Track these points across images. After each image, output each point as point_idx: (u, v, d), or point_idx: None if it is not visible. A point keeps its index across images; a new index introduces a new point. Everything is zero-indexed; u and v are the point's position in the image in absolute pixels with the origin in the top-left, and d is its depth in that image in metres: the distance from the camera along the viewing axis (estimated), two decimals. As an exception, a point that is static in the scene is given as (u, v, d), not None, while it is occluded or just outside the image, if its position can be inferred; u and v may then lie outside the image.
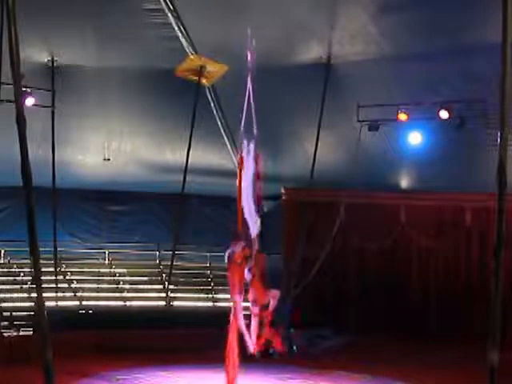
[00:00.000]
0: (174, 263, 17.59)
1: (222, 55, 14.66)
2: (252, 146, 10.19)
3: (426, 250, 16.70)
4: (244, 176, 10.15)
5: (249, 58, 10.15)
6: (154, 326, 15.39)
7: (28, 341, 13.75)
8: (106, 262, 19.08)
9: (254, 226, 10.17)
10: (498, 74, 5.68)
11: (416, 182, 17.36)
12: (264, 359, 11.16)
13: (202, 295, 18.49)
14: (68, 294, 17.07)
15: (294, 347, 14.90)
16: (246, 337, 9.89)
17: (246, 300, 10.23)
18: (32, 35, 13.44)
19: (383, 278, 16.61)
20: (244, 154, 10.21)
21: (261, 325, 10.00)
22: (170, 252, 17.40)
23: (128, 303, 17.57)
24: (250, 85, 10.24)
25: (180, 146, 16.64)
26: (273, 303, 10.12)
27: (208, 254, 19.55)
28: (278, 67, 14.50)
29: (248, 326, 10.00)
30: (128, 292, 18.05)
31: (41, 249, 5.77)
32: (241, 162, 10.19)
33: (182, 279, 18.87)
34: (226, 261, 10.21)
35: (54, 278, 16.64)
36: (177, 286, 18.48)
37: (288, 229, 17.28)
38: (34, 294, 6.44)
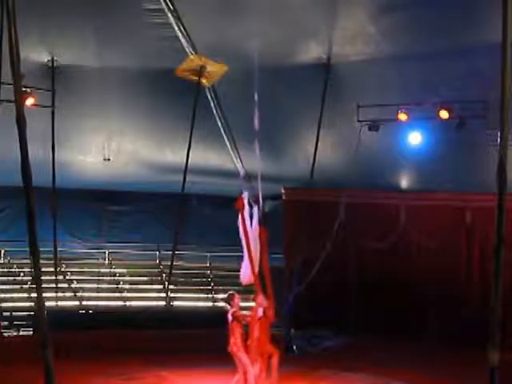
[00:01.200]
0: (174, 263, 17.59)
1: (222, 55, 14.66)
2: (255, 211, 10.42)
3: (426, 250, 16.68)
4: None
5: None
6: (154, 326, 15.40)
7: (28, 341, 13.75)
8: (106, 261, 19.09)
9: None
10: (498, 74, 5.68)
11: (416, 182, 17.35)
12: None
13: (202, 295, 18.50)
14: (68, 294, 17.09)
15: (294, 347, 14.90)
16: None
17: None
18: (32, 35, 13.44)
19: (383, 278, 16.59)
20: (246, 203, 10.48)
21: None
22: (170, 252, 17.40)
23: (128, 303, 17.58)
24: (257, 148, 10.48)
25: (180, 146, 16.62)
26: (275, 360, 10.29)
27: (208, 253, 19.57)
28: (278, 67, 14.50)
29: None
30: (128, 292, 18.06)
31: (41, 249, 5.77)
32: (241, 206, 10.44)
33: (181, 279, 18.88)
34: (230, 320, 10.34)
35: (54, 278, 16.65)
36: (177, 286, 18.49)
37: (288, 229, 17.27)
38: (33, 294, 6.43)
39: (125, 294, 17.90)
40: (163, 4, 13.85)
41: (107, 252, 19.17)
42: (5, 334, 14.80)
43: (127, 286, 18.37)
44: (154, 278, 18.94)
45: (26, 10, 8.67)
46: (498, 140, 5.73)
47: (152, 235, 19.45)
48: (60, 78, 15.08)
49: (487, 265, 15.07)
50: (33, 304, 15.38)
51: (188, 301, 18.12)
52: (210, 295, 18.42)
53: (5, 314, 15.53)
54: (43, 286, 5.95)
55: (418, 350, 14.69)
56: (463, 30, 12.83)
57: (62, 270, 17.78)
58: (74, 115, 16.09)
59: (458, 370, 12.76)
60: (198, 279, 19.13)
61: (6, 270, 17.79)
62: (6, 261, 18.10)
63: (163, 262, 18.90)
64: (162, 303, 17.46)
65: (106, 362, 13.02)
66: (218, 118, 16.82)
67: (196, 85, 15.27)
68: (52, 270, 16.70)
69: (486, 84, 12.67)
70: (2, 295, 16.40)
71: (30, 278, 16.68)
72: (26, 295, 16.44)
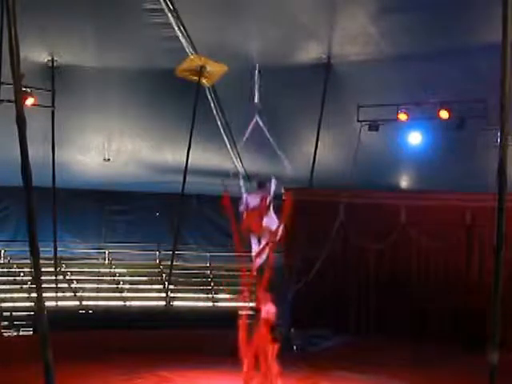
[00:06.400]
0: (174, 263, 17.59)
1: (222, 55, 14.66)
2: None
3: (426, 249, 16.66)
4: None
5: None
6: (153, 326, 15.40)
7: (28, 341, 13.74)
8: (106, 261, 19.09)
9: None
10: (498, 74, 5.68)
11: (416, 182, 17.35)
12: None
13: (201, 295, 18.50)
14: (68, 294, 17.08)
15: (294, 347, 14.89)
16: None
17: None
18: (32, 35, 13.45)
19: (383, 278, 16.58)
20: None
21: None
22: (170, 252, 17.41)
23: (128, 303, 17.58)
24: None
25: (180, 146, 16.64)
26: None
27: (208, 253, 19.57)
28: (278, 67, 14.50)
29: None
30: (128, 292, 18.06)
31: (41, 249, 5.77)
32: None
33: (181, 279, 18.88)
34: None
35: (54, 278, 16.65)
36: (177, 286, 18.49)
37: (288, 229, 17.23)
38: (34, 294, 6.43)
39: (125, 294, 17.89)
40: (163, 4, 13.87)
41: (107, 252, 19.16)
42: (5, 334, 14.78)
43: (127, 286, 18.36)
44: (153, 278, 18.94)
45: (26, 10, 8.68)
46: (498, 140, 5.73)
47: (152, 235, 19.45)
48: (60, 78, 15.09)
49: (487, 265, 15.06)
50: (33, 304, 15.36)
51: (188, 301, 18.11)
52: (209, 295, 18.41)
53: (5, 314, 15.51)
54: (43, 285, 5.95)
55: (418, 349, 14.67)
56: (463, 30, 12.86)
57: (62, 270, 17.77)
58: (74, 115, 16.11)
59: (458, 370, 12.75)
60: (198, 279, 19.13)
61: (5, 270, 17.78)
62: (6, 261, 18.09)
63: (163, 262, 18.90)
64: (162, 303, 17.45)
65: (105, 362, 12.99)
66: (217, 118, 16.84)
67: (196, 85, 15.29)
68: (52, 269, 16.71)
69: (485, 84, 12.67)
70: (2, 295, 16.39)
71: (30, 278, 16.67)
72: (26, 295, 16.43)
